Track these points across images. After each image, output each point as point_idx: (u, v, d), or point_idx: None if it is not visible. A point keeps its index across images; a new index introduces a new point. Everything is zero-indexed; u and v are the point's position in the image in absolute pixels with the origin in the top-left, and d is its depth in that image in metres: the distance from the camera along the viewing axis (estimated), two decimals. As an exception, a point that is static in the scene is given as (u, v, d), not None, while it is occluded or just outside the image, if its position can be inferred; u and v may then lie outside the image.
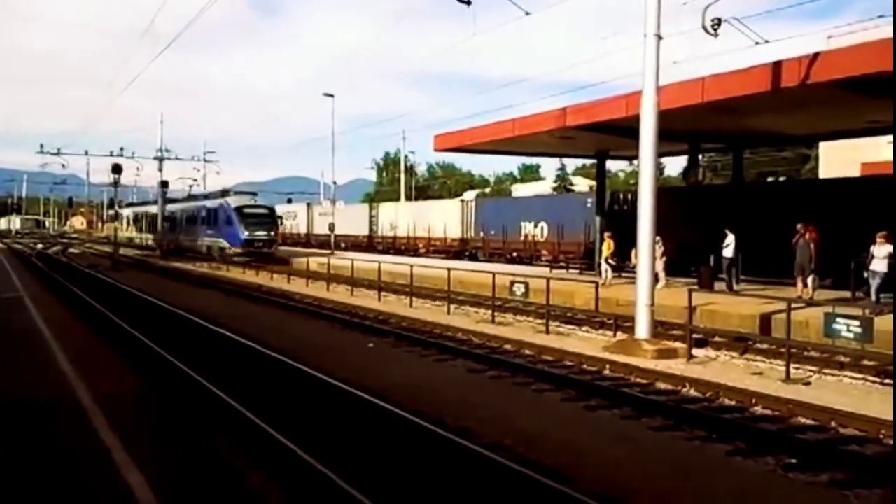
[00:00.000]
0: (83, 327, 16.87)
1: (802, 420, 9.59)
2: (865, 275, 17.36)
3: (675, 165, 66.67)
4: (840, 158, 38.19)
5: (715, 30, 16.01)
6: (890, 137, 26.96)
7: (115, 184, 45.61)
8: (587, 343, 15.87)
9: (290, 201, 79.72)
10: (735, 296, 19.68)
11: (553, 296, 18.66)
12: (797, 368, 12.73)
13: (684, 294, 15.11)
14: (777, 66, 15.52)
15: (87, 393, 10.12)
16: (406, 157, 78.60)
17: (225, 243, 44.74)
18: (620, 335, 16.25)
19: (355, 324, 18.52)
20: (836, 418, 9.35)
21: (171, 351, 12.21)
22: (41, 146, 52.93)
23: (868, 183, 25.99)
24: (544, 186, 77.72)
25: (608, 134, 22.52)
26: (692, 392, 11.25)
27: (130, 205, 77.56)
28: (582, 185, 72.28)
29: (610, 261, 24.05)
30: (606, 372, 12.79)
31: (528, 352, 14.62)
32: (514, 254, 40.64)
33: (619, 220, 27.63)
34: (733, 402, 10.57)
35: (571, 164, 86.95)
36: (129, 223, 69.70)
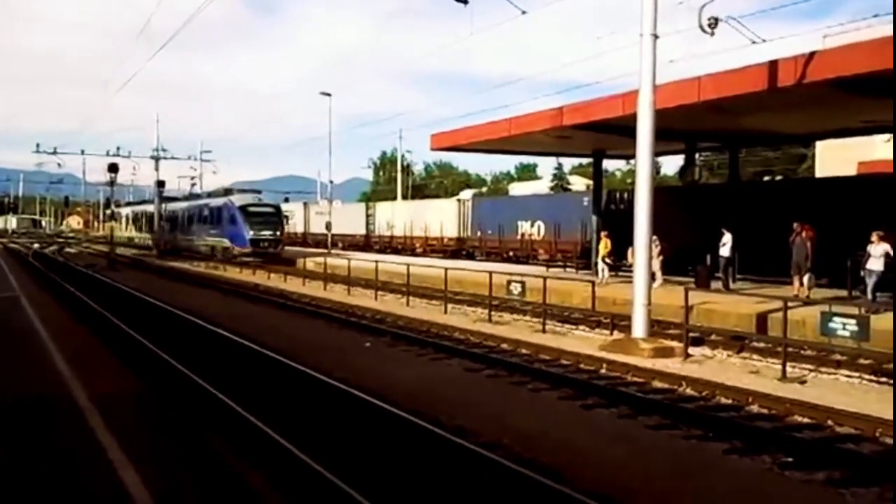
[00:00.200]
0: (80, 327, 16.85)
1: (799, 419, 9.60)
2: (862, 273, 17.39)
3: (671, 164, 66.70)
4: (836, 157, 38.23)
5: (711, 29, 16.04)
6: (885, 136, 27.07)
7: (112, 183, 45.49)
8: (584, 342, 15.88)
9: (286, 201, 79.57)
10: (732, 295, 19.71)
11: (550, 295, 18.68)
12: (793, 367, 12.74)
13: (681, 293, 15.13)
14: (773, 65, 15.53)
15: (84, 393, 10.11)
16: (403, 156, 78.63)
17: (229, 243, 43.41)
18: (617, 334, 16.27)
19: (352, 323, 18.52)
20: (833, 417, 9.37)
21: (168, 351, 12.20)
22: (37, 145, 53.04)
23: (864, 182, 26.03)
24: (541, 186, 77.81)
25: (605, 133, 22.52)
26: (689, 391, 11.26)
27: (129, 204, 77.19)
28: (579, 184, 72.31)
29: (607, 260, 24.09)
30: (603, 371, 12.80)
31: (524, 351, 14.63)
32: (511, 253, 40.66)
33: (616, 219, 27.62)
34: (730, 401, 10.58)
35: (568, 163, 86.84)
36: (128, 222, 68.97)
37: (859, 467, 7.55)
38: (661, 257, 21.75)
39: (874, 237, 17.13)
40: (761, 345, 14.55)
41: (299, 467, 6.79)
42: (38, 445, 7.91)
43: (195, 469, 7.31)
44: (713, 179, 47.08)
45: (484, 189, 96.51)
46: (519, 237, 40.66)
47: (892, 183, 18.80)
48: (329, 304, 23.04)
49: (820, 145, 43.35)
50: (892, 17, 15.47)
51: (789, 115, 19.96)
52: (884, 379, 11.91)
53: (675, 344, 14.70)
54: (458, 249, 45.16)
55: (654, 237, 16.47)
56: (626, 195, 32.06)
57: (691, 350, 14.29)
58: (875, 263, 17.04)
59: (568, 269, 29.63)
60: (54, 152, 54.47)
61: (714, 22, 16.02)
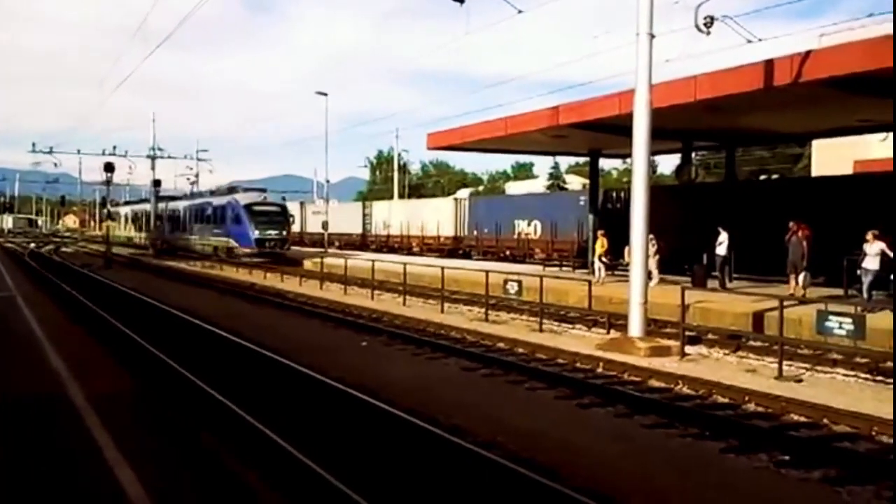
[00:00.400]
0: (76, 327, 16.81)
1: (795, 417, 9.62)
2: (858, 272, 17.43)
3: (667, 163, 66.97)
4: (832, 156, 38.26)
5: (707, 28, 16.06)
6: (881, 135, 27.11)
7: (108, 182, 45.37)
8: (580, 341, 15.88)
9: (283, 200, 79.44)
10: (728, 293, 19.72)
11: (546, 294, 18.69)
12: (790, 366, 12.76)
13: (677, 292, 15.14)
14: (769, 64, 15.55)
15: (81, 392, 10.10)
16: (399, 155, 78.54)
17: (234, 243, 42.15)
18: (614, 333, 16.27)
19: (349, 322, 18.51)
20: (829, 415, 9.39)
21: (164, 350, 12.18)
22: (33, 145, 52.86)
23: (860, 181, 26.09)
24: (537, 185, 77.88)
25: (601, 132, 22.52)
26: (685, 390, 11.27)
27: (128, 203, 76.68)
28: (575, 183, 72.34)
29: (603, 259, 24.10)
30: (600, 370, 12.81)
31: (521, 350, 14.63)
32: (508, 252, 40.69)
33: (613, 218, 27.65)
34: (726, 400, 10.60)
35: (564, 162, 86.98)
36: (127, 222, 68.28)
37: (855, 466, 7.56)
38: (657, 256, 21.77)
39: (869, 236, 17.18)
40: (758, 344, 14.56)
41: (297, 467, 6.78)
42: (34, 444, 7.89)
43: (191, 468, 7.30)
44: (709, 178, 47.06)
45: (480, 188, 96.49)
46: (515, 236, 40.69)
47: (887, 182, 18.84)
48: (325, 303, 23.02)
49: (816, 144, 43.38)
50: (887, 16, 15.53)
51: (786, 114, 19.98)
52: (880, 378, 11.94)
53: (671, 343, 14.72)
54: (454, 249, 45.17)
55: (651, 236, 16.47)
56: (622, 194, 32.11)
57: (688, 349, 14.31)
58: (871, 262, 17.09)
59: (564, 269, 29.65)
60: (50, 152, 54.38)
61: (710, 21, 16.06)
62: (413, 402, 9.41)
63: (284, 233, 42.79)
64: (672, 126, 20.05)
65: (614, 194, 34.36)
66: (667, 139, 21.46)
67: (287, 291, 26.81)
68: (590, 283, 19.07)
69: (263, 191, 48.12)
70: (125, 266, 40.85)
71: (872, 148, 33.17)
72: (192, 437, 8.20)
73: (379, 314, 20.09)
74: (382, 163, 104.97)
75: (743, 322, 16.11)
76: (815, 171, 43.53)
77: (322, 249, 47.87)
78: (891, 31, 13.47)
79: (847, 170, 33.71)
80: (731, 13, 16.63)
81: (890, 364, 11.92)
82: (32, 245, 62.73)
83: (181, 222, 51.95)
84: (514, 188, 74.05)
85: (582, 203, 33.93)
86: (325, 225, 51.64)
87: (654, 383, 11.75)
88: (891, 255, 16.90)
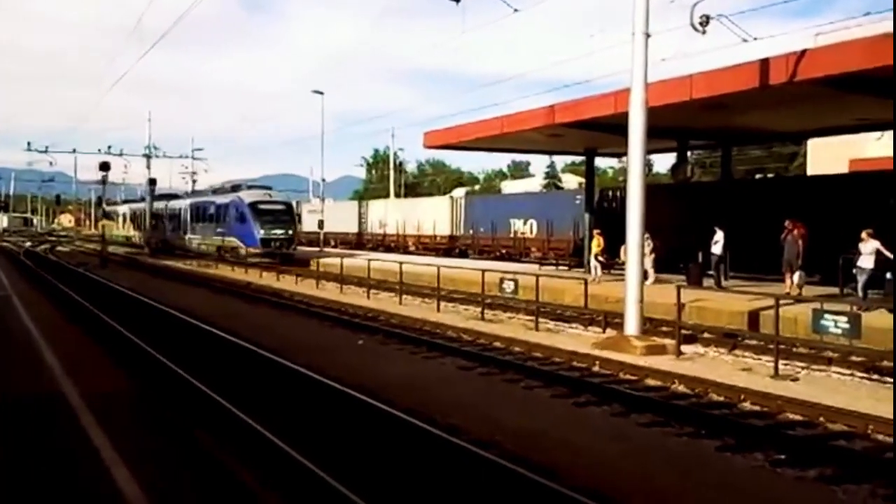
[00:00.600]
0: (72, 326, 16.79)
1: (791, 416, 9.64)
2: (854, 271, 17.47)
3: (663, 162, 66.70)
4: (828, 155, 38.30)
5: (703, 27, 16.07)
6: (877, 134, 27.15)
7: (104, 181, 45.27)
8: (577, 340, 15.89)
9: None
10: (724, 292, 19.74)
11: (542, 293, 18.70)
12: (786, 364, 12.79)
13: (673, 291, 15.15)
14: (765, 63, 15.56)
15: (76, 391, 10.09)
16: (395, 154, 78.60)
17: (238, 243, 40.80)
18: (610, 332, 16.28)
19: (345, 321, 18.51)
20: (825, 414, 9.40)
21: (160, 350, 12.16)
22: (29, 144, 52.68)
23: (856, 179, 26.13)
24: (534, 183, 77.86)
25: (597, 131, 22.53)
26: (681, 388, 11.28)
27: (127, 202, 76.15)
28: (571, 182, 72.34)
29: (599, 258, 24.12)
30: (596, 368, 12.82)
31: (517, 349, 14.64)
32: (504, 251, 40.71)
33: (609, 217, 27.67)
34: (722, 399, 10.61)
35: (561, 161, 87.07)
36: (125, 220, 67.50)
37: (851, 464, 7.58)
38: (653, 255, 21.79)
39: (864, 235, 17.21)
40: (753, 342, 14.58)
41: (294, 467, 6.78)
42: (30, 444, 7.88)
43: (188, 468, 7.29)
44: (705, 177, 47.08)
45: (477, 187, 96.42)
46: (512, 235, 40.71)
47: (883, 181, 18.87)
48: (322, 302, 23.01)
49: (811, 143, 43.44)
50: (883, 15, 15.55)
51: (781, 113, 20.01)
52: (875, 376, 11.97)
53: (667, 341, 14.73)
54: (450, 247, 45.16)
55: (647, 235, 16.49)
56: (618, 193, 32.10)
57: (684, 348, 14.32)
58: (866, 261, 17.12)
59: (560, 267, 29.65)
60: (46, 151, 54.18)
61: (706, 20, 16.07)
62: (411, 402, 9.41)
63: (291, 232, 41.32)
64: (668, 125, 20.05)
65: (610, 193, 34.37)
66: (663, 138, 21.47)
67: (283, 290, 26.79)
68: (586, 281, 19.07)
69: (268, 188, 46.87)
70: (121, 265, 40.77)
71: (868, 147, 33.24)
72: (190, 437, 8.19)
73: (375, 313, 20.09)
74: (379, 162, 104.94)
75: (739, 321, 16.14)
76: (811, 170, 43.59)
77: (318, 248, 47.77)
78: (886, 30, 13.50)
79: (842, 169, 33.77)
80: (726, 12, 16.66)
81: (885, 363, 11.95)
82: (28, 244, 62.60)
83: (182, 221, 50.68)
84: (510, 187, 73.94)
85: (578, 202, 33.96)
86: (321, 224, 51.57)
87: (651, 382, 11.76)
88: (886, 253, 16.94)
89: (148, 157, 54.00)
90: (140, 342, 13.00)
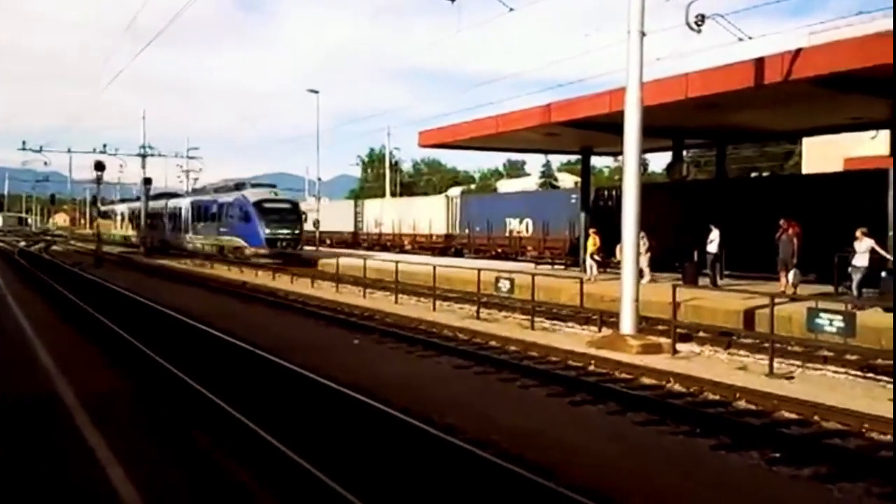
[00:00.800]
0: (67, 326, 16.75)
1: (786, 414, 9.65)
2: (849, 269, 17.51)
3: (659, 161, 66.93)
4: (823, 154, 38.40)
5: (698, 26, 16.10)
6: (871, 133, 27.23)
7: (98, 181, 45.15)
8: (572, 339, 15.90)
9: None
10: (719, 291, 19.77)
11: (538, 292, 18.71)
12: (781, 363, 12.81)
13: (669, 290, 15.18)
14: (760, 62, 15.59)
15: (71, 391, 10.06)
16: (391, 153, 78.54)
17: (242, 242, 39.77)
18: (605, 331, 16.29)
19: (341, 321, 18.49)
20: (820, 412, 9.42)
21: (155, 349, 12.13)
22: (23, 143, 52.58)
23: (851, 178, 26.18)
24: (529, 182, 77.99)
25: (592, 130, 22.55)
26: (677, 387, 11.30)
27: (124, 200, 75.74)
28: (567, 181, 72.45)
29: (595, 257, 24.13)
30: (592, 367, 12.83)
31: (513, 348, 14.64)
32: (500, 250, 40.73)
33: (604, 216, 27.70)
34: (717, 397, 10.63)
35: (556, 160, 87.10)
36: (123, 220, 66.53)
37: (846, 463, 7.60)
38: (648, 254, 21.82)
39: (858, 233, 17.27)
40: (749, 341, 14.60)
41: (291, 467, 6.77)
42: (24, 444, 7.86)
43: (184, 468, 7.28)
44: (701, 176, 47.12)
45: (472, 186, 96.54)
46: (507, 234, 40.73)
47: (877, 179, 18.92)
48: (317, 301, 22.99)
49: (806, 142, 43.54)
50: (876, 14, 15.59)
51: (776, 111, 20.05)
52: (870, 375, 12.00)
53: (663, 340, 14.74)
54: (446, 246, 45.16)
55: (642, 234, 16.51)
56: (613, 192, 32.14)
57: (679, 346, 14.34)
58: (860, 259, 17.18)
59: (556, 266, 29.69)
60: (40, 150, 54.19)
61: (701, 19, 16.09)
62: (407, 401, 9.40)
63: (297, 231, 40.12)
64: (663, 124, 20.09)
65: (606, 192, 34.41)
66: (658, 137, 21.50)
67: (278, 290, 26.76)
68: (581, 280, 19.09)
69: (273, 186, 45.79)
70: (116, 265, 40.67)
71: (863, 145, 33.32)
72: (185, 437, 8.18)
73: (371, 312, 20.08)
74: (374, 161, 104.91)
75: (734, 319, 16.16)
76: (806, 169, 43.68)
77: (314, 248, 47.68)
78: (881, 29, 13.54)
79: (837, 167, 33.86)
80: (721, 11, 16.69)
81: (880, 361, 11.99)
82: (22, 243, 62.44)
83: (183, 221, 49.45)
84: (505, 186, 74.11)
85: (573, 201, 33.96)
86: (316, 223, 51.55)
87: (646, 380, 11.78)
88: (880, 252, 16.99)
89: (143, 156, 53.92)
90: (135, 342, 12.96)
